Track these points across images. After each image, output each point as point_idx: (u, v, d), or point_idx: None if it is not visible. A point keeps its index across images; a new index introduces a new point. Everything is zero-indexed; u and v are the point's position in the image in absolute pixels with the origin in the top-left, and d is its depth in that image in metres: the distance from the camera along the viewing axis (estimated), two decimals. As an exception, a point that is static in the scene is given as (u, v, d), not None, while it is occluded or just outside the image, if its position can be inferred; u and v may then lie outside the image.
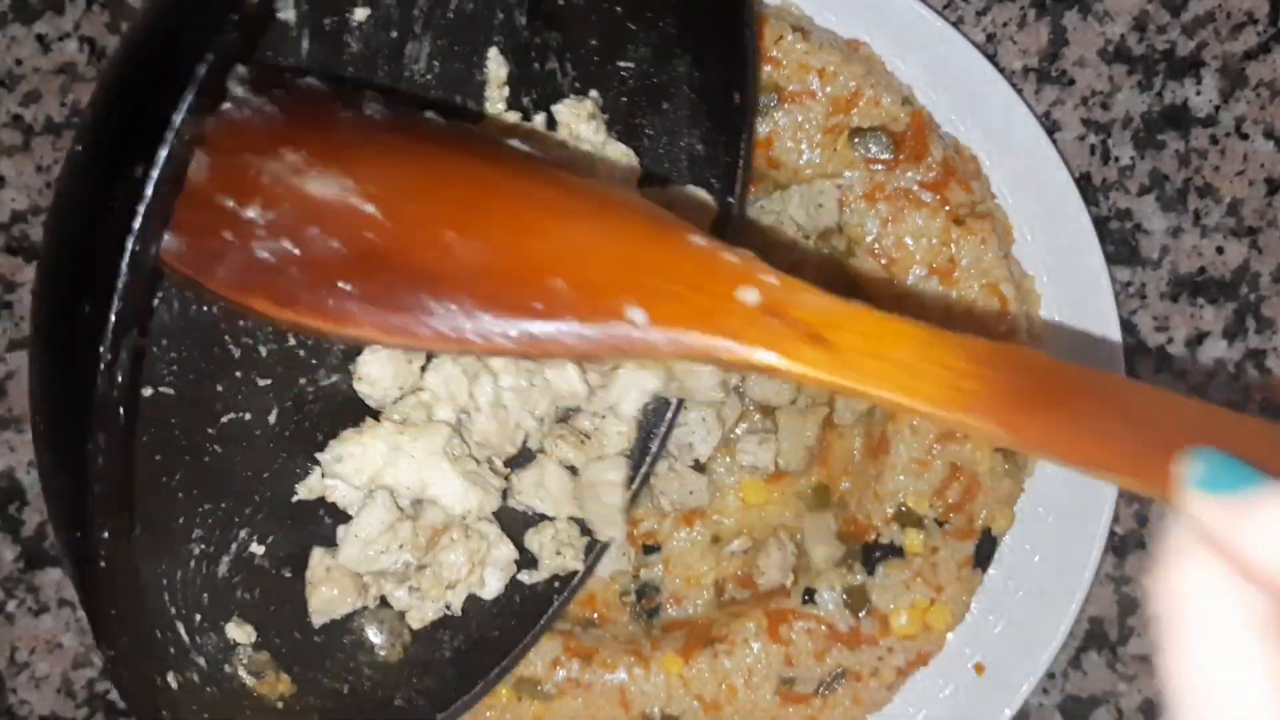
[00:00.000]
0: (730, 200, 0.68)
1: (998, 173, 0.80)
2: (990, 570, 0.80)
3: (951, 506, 0.78)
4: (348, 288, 0.39)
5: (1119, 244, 0.87)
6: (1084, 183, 0.87)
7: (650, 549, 0.80)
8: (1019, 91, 0.79)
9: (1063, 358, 0.79)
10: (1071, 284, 0.80)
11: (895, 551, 0.77)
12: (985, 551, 0.78)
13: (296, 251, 0.39)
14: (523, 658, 0.71)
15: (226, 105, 0.40)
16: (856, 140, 0.76)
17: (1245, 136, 0.88)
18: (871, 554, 0.77)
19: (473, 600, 0.69)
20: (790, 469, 0.79)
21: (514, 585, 0.70)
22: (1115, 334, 0.79)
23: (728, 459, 0.79)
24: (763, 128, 0.76)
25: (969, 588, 0.78)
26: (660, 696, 0.76)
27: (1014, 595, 0.80)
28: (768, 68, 0.75)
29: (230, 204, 0.39)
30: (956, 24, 0.85)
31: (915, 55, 0.79)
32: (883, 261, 0.77)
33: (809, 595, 0.77)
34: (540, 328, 0.39)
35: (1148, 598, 0.30)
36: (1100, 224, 0.86)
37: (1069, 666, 0.88)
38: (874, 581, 0.77)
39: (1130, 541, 0.87)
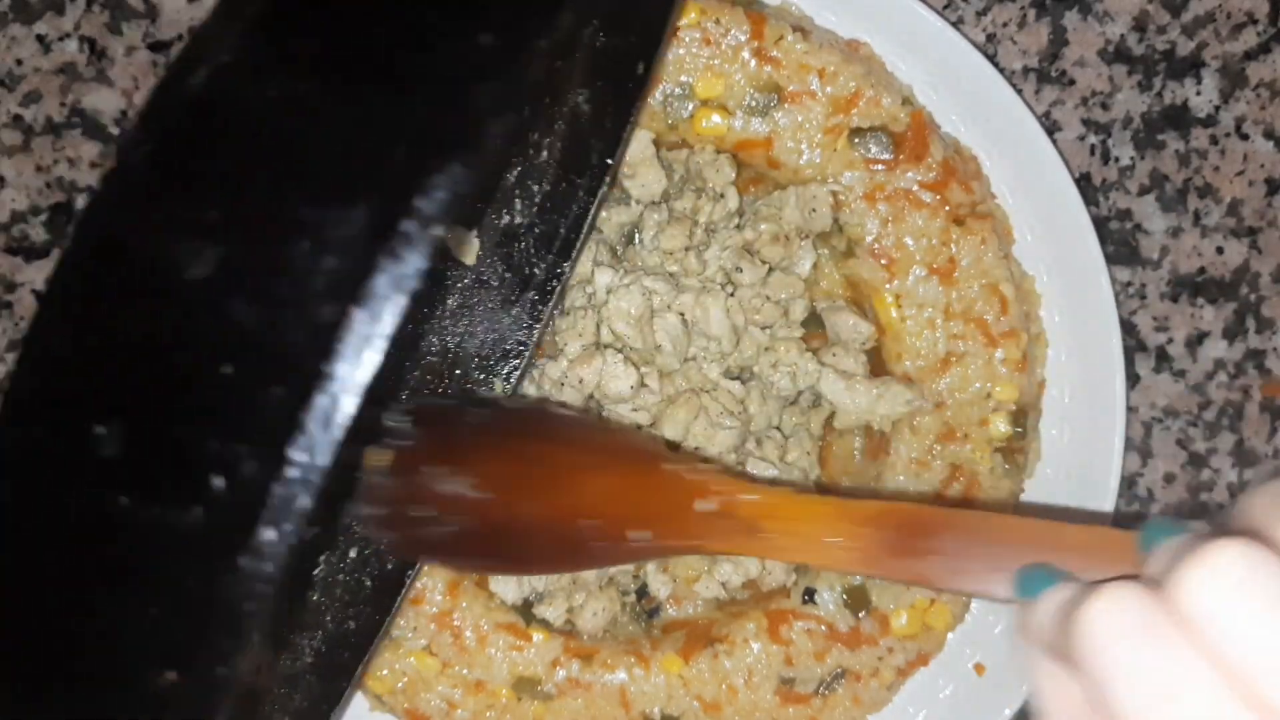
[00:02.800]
0: (609, 162, 0.69)
1: (998, 173, 0.80)
2: (990, 570, 0.80)
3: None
4: (474, 548, 0.59)
5: (1119, 244, 0.87)
6: (1084, 183, 0.87)
7: (650, 549, 0.80)
8: (1019, 91, 0.79)
9: (1063, 357, 0.80)
10: (1071, 284, 0.80)
11: (895, 551, 0.77)
12: (985, 551, 0.78)
13: (444, 530, 0.58)
14: (380, 645, 0.70)
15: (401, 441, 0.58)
16: (856, 140, 0.76)
17: (1245, 136, 0.88)
18: (871, 554, 0.77)
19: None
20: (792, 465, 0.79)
21: (361, 569, 0.67)
22: (1115, 334, 0.79)
23: (731, 457, 0.79)
24: (763, 128, 0.76)
25: (969, 588, 0.78)
26: (660, 696, 0.76)
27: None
28: (768, 68, 0.75)
29: (411, 508, 0.58)
30: (956, 24, 0.84)
31: (915, 55, 0.79)
32: (883, 262, 0.77)
33: (809, 595, 0.77)
34: (584, 555, 0.60)
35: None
36: (1100, 224, 0.86)
37: (1069, 666, 0.88)
38: (874, 582, 0.77)
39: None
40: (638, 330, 0.74)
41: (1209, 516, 0.87)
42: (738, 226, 0.78)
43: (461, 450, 0.59)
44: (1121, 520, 0.85)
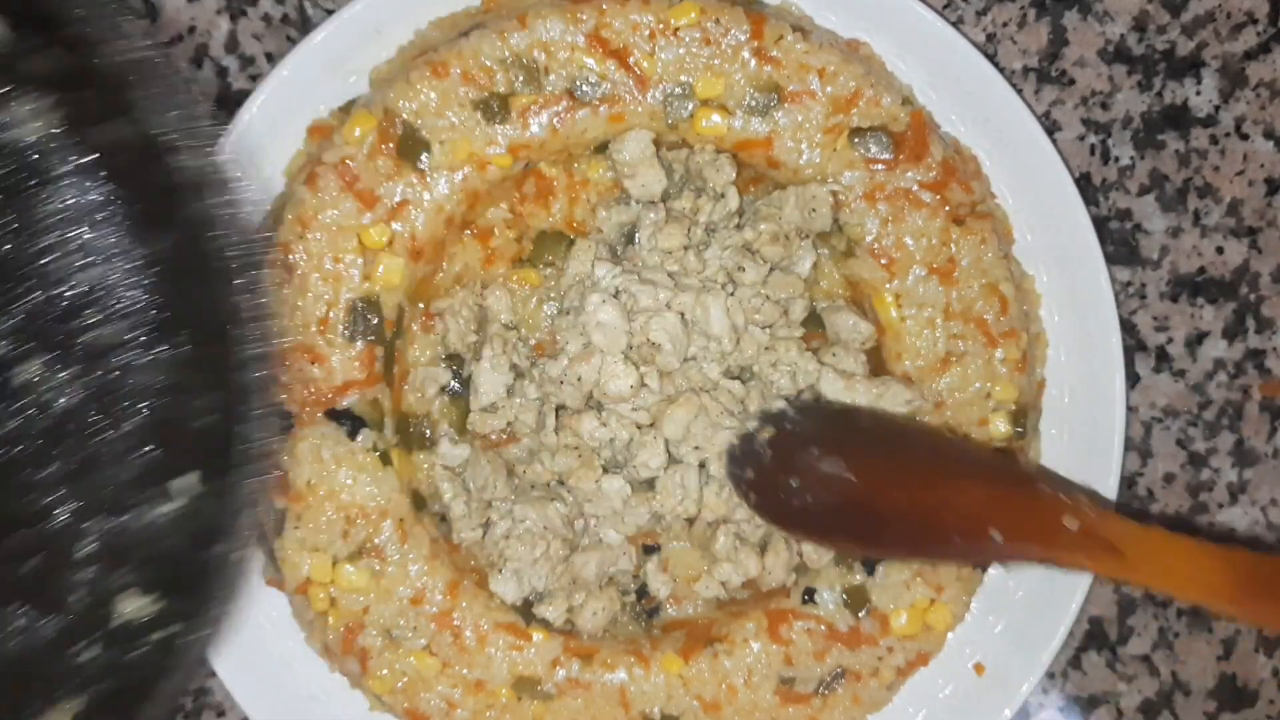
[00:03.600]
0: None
1: (998, 173, 0.80)
2: (990, 570, 0.80)
3: (951, 506, 0.78)
4: (840, 524, 0.69)
5: (1119, 244, 0.87)
6: (1084, 183, 0.87)
7: (650, 549, 0.80)
8: (1019, 91, 0.79)
9: (1062, 357, 0.80)
10: (1071, 284, 0.80)
11: (895, 551, 0.77)
12: (985, 551, 0.78)
13: (809, 502, 0.68)
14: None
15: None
16: (856, 140, 0.76)
17: (1245, 136, 0.88)
18: (871, 554, 0.77)
19: None
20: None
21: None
22: (1115, 334, 0.79)
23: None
24: (763, 127, 0.76)
25: (969, 588, 0.78)
26: (660, 696, 0.76)
27: (1014, 595, 0.80)
28: (768, 68, 0.75)
29: (781, 478, 0.70)
30: (956, 24, 0.84)
31: (915, 55, 0.79)
32: (883, 261, 0.77)
33: (809, 595, 0.77)
34: (939, 547, 0.68)
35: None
36: (1100, 224, 0.86)
37: (1069, 666, 0.88)
38: (874, 581, 0.77)
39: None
40: (624, 339, 0.75)
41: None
42: (738, 226, 0.79)
43: (838, 441, 0.69)
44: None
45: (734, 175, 0.78)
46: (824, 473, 0.67)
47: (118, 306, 0.64)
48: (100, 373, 0.65)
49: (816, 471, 0.68)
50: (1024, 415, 0.78)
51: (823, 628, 0.77)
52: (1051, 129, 0.87)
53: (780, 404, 0.73)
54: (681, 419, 0.74)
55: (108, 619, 0.63)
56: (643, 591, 0.80)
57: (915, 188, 0.77)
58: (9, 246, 0.63)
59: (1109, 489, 0.79)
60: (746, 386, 0.77)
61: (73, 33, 0.55)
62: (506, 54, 0.74)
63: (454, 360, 0.80)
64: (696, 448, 0.75)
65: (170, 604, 0.63)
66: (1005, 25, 0.87)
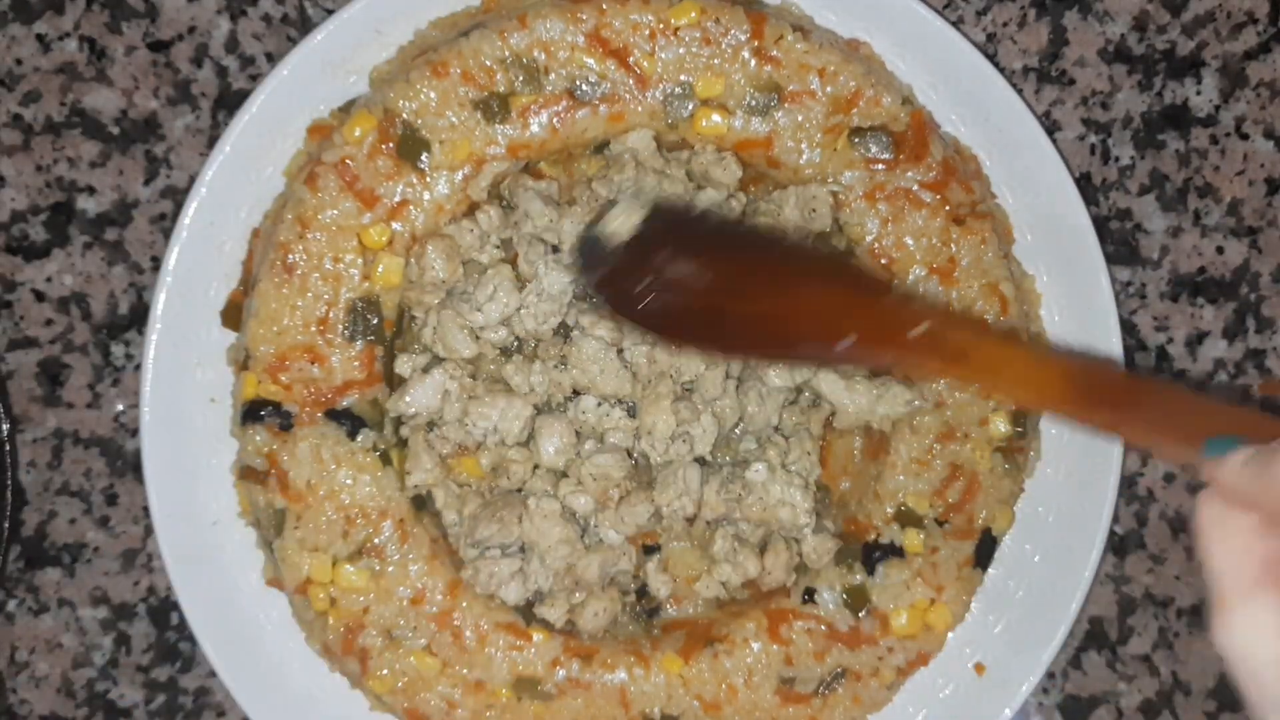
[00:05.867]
0: None
1: (998, 173, 0.80)
2: (990, 570, 0.80)
3: (951, 506, 0.78)
4: (691, 325, 0.68)
5: (1119, 244, 0.87)
6: (1084, 183, 0.87)
7: (650, 549, 0.80)
8: (1019, 91, 0.79)
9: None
10: (1071, 284, 0.80)
11: (895, 551, 0.77)
12: (985, 551, 0.78)
13: (659, 301, 0.66)
14: None
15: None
16: (856, 140, 0.76)
17: (1245, 136, 0.88)
18: (871, 554, 0.77)
19: None
20: (792, 468, 0.79)
21: None
22: (1115, 334, 0.79)
23: (728, 458, 0.79)
24: (763, 127, 0.76)
25: (969, 588, 0.78)
26: (660, 696, 0.76)
27: (1014, 595, 0.80)
28: (768, 67, 0.75)
29: (632, 278, 0.67)
30: (956, 24, 0.84)
31: (915, 55, 0.79)
32: (883, 261, 0.77)
33: (809, 595, 0.77)
34: (796, 349, 0.67)
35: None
36: (1100, 224, 0.86)
37: (1069, 666, 0.88)
38: (874, 581, 0.77)
39: (1130, 541, 0.87)
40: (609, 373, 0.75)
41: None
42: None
43: (693, 244, 0.69)
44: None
45: (740, 174, 0.77)
46: (675, 274, 0.67)
47: None
48: None
49: (667, 272, 0.67)
50: (1024, 415, 0.78)
51: (823, 628, 0.77)
52: (1051, 129, 0.87)
53: (633, 202, 0.72)
54: (665, 408, 0.75)
55: None
56: (643, 591, 0.80)
57: (915, 188, 0.77)
58: None
59: (1109, 489, 0.79)
60: (745, 386, 0.77)
61: None
62: (506, 54, 0.74)
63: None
64: (685, 431, 0.75)
65: None
66: (1005, 25, 0.87)
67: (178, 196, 0.84)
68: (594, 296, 0.73)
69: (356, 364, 0.75)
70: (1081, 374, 0.59)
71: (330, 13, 0.81)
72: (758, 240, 0.73)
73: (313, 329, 0.75)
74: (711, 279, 0.67)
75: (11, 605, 0.84)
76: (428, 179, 0.75)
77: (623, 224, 0.69)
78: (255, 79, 0.84)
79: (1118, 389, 0.59)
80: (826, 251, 0.75)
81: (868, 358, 0.66)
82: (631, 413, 0.76)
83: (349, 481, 0.75)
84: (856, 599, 0.77)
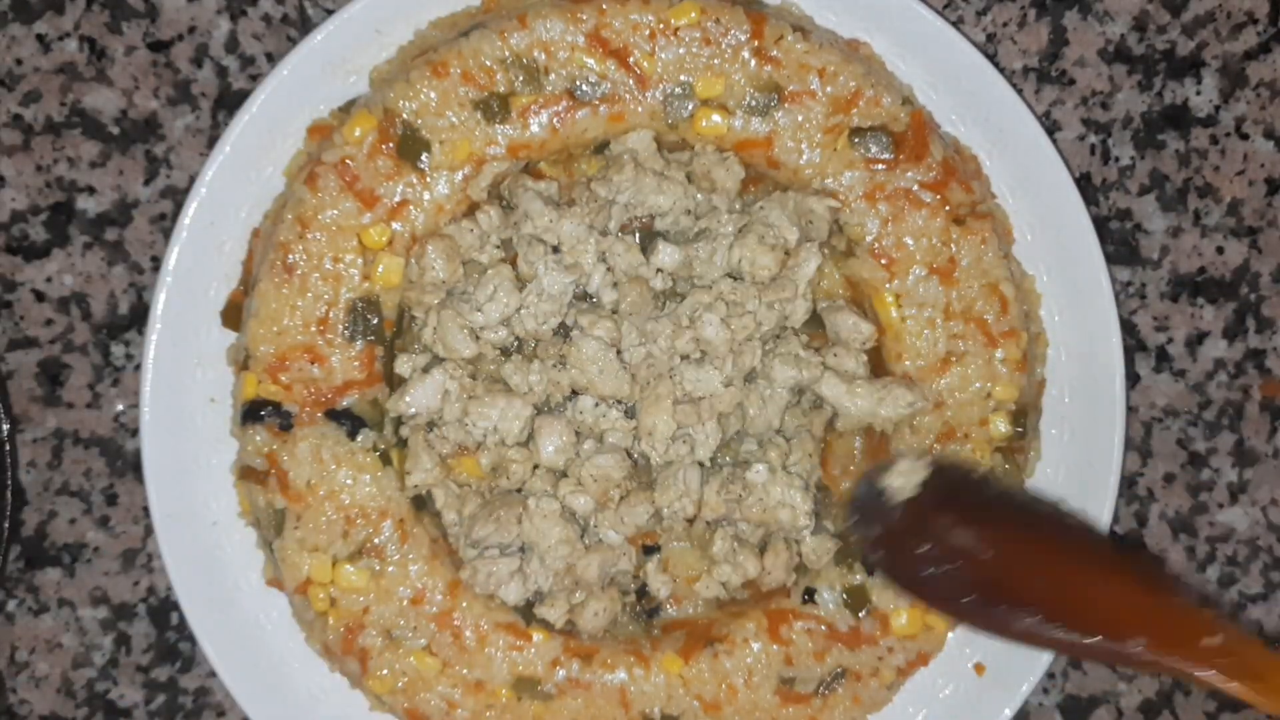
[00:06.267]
0: None
1: (998, 173, 0.80)
2: (990, 570, 0.80)
3: (952, 506, 0.78)
4: (965, 599, 0.66)
5: (1119, 244, 0.87)
6: (1084, 183, 0.87)
7: (650, 549, 0.79)
8: (1019, 91, 0.79)
9: (1063, 357, 0.80)
10: (1071, 284, 0.80)
11: (895, 551, 0.77)
12: (985, 551, 0.78)
13: (933, 569, 0.67)
14: None
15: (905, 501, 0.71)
16: (856, 140, 0.76)
17: (1245, 136, 0.88)
18: (871, 554, 0.77)
19: None
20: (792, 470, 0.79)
21: None
22: (1115, 334, 0.79)
23: (729, 459, 0.78)
24: (763, 127, 0.76)
25: (969, 588, 0.78)
26: (660, 696, 0.76)
27: (1014, 595, 0.80)
28: (768, 68, 0.75)
29: (911, 541, 0.68)
30: (956, 24, 0.85)
31: (915, 55, 0.79)
32: (883, 261, 0.77)
33: (809, 595, 0.77)
34: (1074, 643, 0.64)
35: None
36: (1100, 224, 0.86)
37: (1069, 666, 0.88)
38: (874, 581, 0.77)
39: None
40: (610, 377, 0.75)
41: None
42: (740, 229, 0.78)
43: (973, 512, 0.68)
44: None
45: (743, 174, 0.77)
46: (958, 541, 0.66)
47: None
48: None
49: (948, 540, 0.66)
50: (1024, 415, 0.78)
51: (823, 628, 0.77)
52: (1051, 129, 0.87)
53: (916, 464, 0.71)
54: (666, 408, 0.75)
55: None
56: (643, 591, 0.80)
57: (915, 188, 0.77)
58: None
59: (1109, 489, 0.79)
60: (746, 388, 0.77)
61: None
62: (506, 54, 0.74)
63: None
64: (683, 428, 0.75)
65: None
66: (1005, 25, 0.87)
67: (178, 196, 0.84)
68: (867, 554, 0.72)
69: (356, 364, 0.75)
70: None
71: (330, 13, 0.81)
72: (1042, 514, 0.72)
73: (313, 329, 0.75)
74: (995, 550, 0.66)
75: (11, 605, 0.84)
76: (428, 179, 0.75)
77: (906, 481, 0.68)
78: (255, 79, 0.84)
79: None
80: (1099, 533, 0.74)
81: (1154, 662, 0.62)
82: (629, 413, 0.76)
83: (349, 481, 0.75)
84: (856, 599, 0.77)
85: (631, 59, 0.75)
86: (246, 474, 0.76)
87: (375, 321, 0.75)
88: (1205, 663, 0.60)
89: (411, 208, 0.75)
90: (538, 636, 0.76)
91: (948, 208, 0.77)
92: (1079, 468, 0.80)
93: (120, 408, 0.84)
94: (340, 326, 0.75)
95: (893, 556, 0.68)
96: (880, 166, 0.76)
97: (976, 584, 0.66)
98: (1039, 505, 0.73)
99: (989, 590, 0.65)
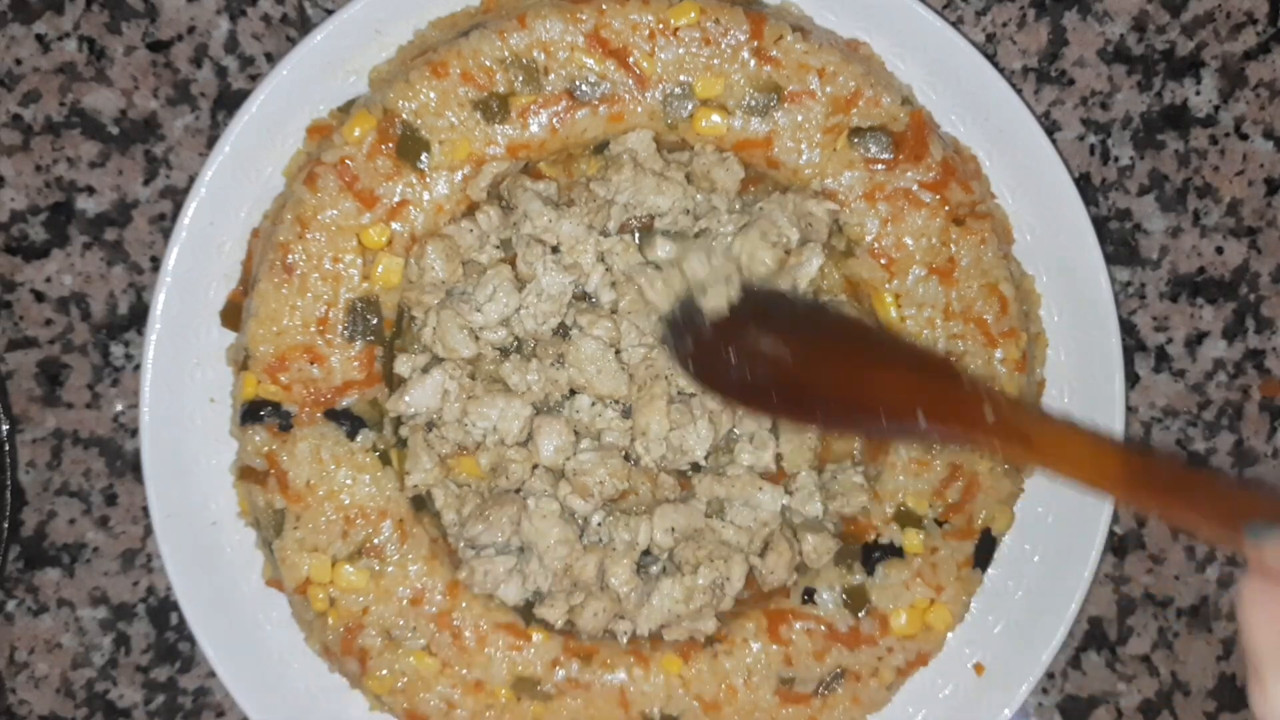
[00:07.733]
0: None
1: (998, 173, 0.80)
2: (990, 570, 0.80)
3: (951, 507, 0.78)
4: (772, 396, 0.72)
5: (1119, 244, 0.87)
6: (1084, 183, 0.87)
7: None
8: (1019, 91, 0.79)
9: (1062, 357, 0.80)
10: (1071, 284, 0.80)
11: (895, 551, 0.77)
12: (985, 551, 0.78)
13: (747, 374, 0.71)
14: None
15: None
16: (856, 140, 0.76)
17: (1245, 136, 0.88)
18: (871, 554, 0.77)
19: None
20: (792, 469, 0.79)
21: None
22: (1115, 334, 0.79)
23: (727, 459, 0.79)
24: (762, 127, 0.76)
25: (969, 588, 0.78)
26: (660, 696, 0.76)
27: (1014, 595, 0.80)
28: (768, 68, 0.75)
29: (722, 352, 0.72)
30: (956, 24, 0.85)
31: (915, 55, 0.79)
32: (882, 261, 0.77)
33: (809, 595, 0.77)
34: (866, 423, 0.71)
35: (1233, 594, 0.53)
36: (1100, 224, 0.86)
37: (1069, 666, 0.88)
38: (874, 581, 0.77)
39: (1130, 541, 0.87)
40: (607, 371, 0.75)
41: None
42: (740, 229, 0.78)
43: (779, 324, 0.74)
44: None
45: (742, 174, 0.77)
46: (762, 350, 0.72)
47: None
48: None
49: (754, 348, 0.72)
50: (1024, 415, 0.78)
51: (823, 628, 0.77)
52: (1051, 129, 0.87)
53: (724, 289, 0.75)
54: (661, 408, 0.75)
55: None
56: (642, 591, 0.80)
57: (915, 188, 0.77)
58: None
59: (1109, 489, 0.79)
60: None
61: None
62: (506, 54, 0.74)
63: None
64: (676, 428, 0.76)
65: None
66: (1005, 25, 0.87)
67: (177, 196, 0.84)
68: (683, 365, 0.76)
69: (356, 364, 0.75)
70: (1136, 460, 0.64)
71: (330, 13, 0.81)
72: (841, 323, 0.77)
73: (312, 329, 0.75)
74: (794, 356, 0.71)
75: (11, 605, 0.84)
76: (427, 179, 0.75)
77: (718, 303, 0.73)
78: (255, 79, 0.84)
79: (1168, 476, 0.62)
80: (904, 335, 0.79)
81: (939, 436, 0.70)
82: (626, 413, 0.77)
83: (349, 481, 0.75)
84: (856, 599, 0.77)
85: (631, 59, 0.75)
86: (246, 474, 0.76)
87: (375, 322, 0.75)
88: (980, 433, 0.66)
89: (411, 208, 0.75)
90: (537, 637, 0.76)
91: (947, 208, 0.77)
92: (1079, 468, 0.80)
93: (120, 408, 0.84)
94: (340, 326, 0.75)
95: (703, 364, 0.73)
96: (880, 166, 0.76)
97: (779, 383, 0.71)
98: (840, 316, 0.78)
99: (791, 389, 0.71)
